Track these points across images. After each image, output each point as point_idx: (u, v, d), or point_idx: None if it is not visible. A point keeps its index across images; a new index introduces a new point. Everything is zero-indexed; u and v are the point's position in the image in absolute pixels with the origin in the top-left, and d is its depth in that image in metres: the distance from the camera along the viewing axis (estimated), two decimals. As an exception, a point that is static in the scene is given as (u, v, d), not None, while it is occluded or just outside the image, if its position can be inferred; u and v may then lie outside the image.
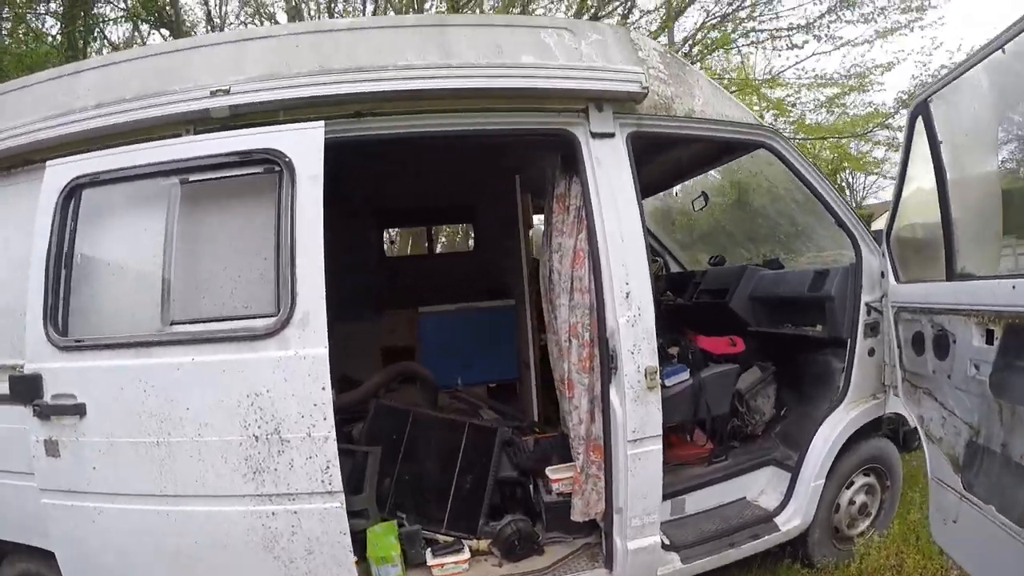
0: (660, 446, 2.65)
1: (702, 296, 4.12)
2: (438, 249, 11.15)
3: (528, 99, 2.71)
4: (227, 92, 2.39)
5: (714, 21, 10.63)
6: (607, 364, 2.71)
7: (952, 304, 2.37)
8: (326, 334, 2.20)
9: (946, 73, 2.42)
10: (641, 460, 2.61)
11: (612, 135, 2.73)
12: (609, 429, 2.66)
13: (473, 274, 5.49)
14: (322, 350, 2.19)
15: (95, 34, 9.20)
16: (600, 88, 2.66)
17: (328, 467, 2.20)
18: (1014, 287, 2.02)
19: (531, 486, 3.14)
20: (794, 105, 11.09)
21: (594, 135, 2.74)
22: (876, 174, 12.95)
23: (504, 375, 4.80)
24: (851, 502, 3.23)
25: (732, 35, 10.34)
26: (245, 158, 2.31)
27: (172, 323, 2.26)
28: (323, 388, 2.18)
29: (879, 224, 3.37)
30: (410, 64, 2.51)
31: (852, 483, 3.21)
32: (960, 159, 2.46)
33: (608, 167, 2.74)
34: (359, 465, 2.96)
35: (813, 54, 12.86)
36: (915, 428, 2.70)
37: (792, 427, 3.29)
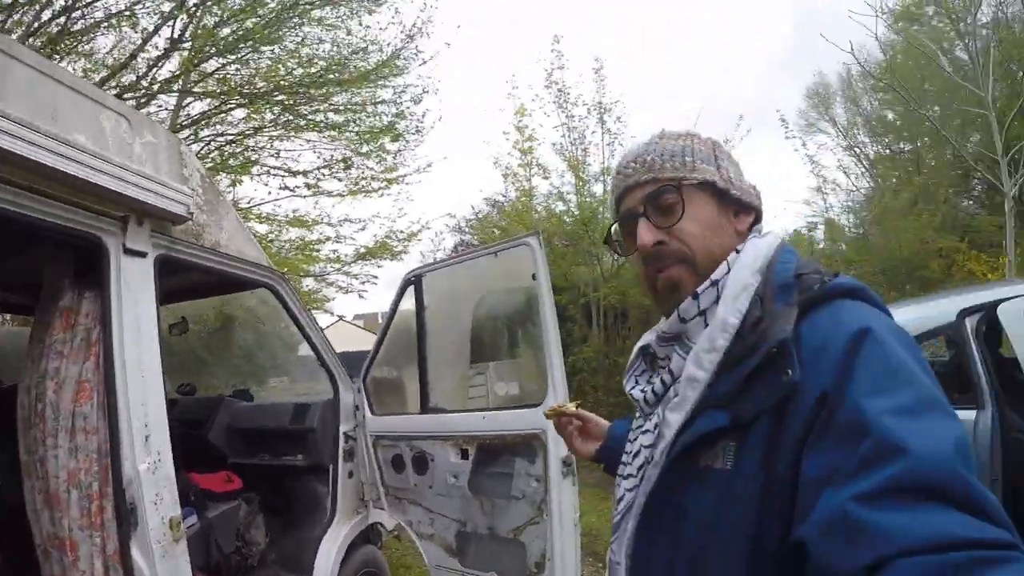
0: (193, 602, 2.41)
1: (178, 427, 3.69)
2: None
3: (68, 189, 2.18)
4: None
5: (222, 143, 9.52)
6: (127, 518, 2.30)
7: (430, 432, 3.22)
8: None
9: (443, 259, 3.47)
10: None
11: (145, 255, 2.45)
12: (135, 591, 2.24)
13: None
14: None
15: None
16: (150, 201, 2.38)
17: None
18: (484, 417, 3.06)
19: None
20: (271, 241, 10.81)
21: (127, 251, 2.39)
22: (319, 309, 13.36)
23: None
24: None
25: (242, 163, 9.33)
26: None
27: None
28: None
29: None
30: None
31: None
32: (438, 323, 3.49)
33: (136, 290, 2.41)
34: None
35: (296, 194, 12.06)
36: (380, 529, 3.40)
37: (290, 551, 3.37)
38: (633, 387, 1.02)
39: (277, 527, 3.57)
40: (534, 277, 2.82)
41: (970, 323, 3.25)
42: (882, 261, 12.07)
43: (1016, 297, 3.03)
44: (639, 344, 1.05)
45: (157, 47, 7.82)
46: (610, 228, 1.06)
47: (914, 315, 3.65)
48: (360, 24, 9.14)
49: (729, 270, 0.89)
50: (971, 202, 19.38)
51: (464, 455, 3.07)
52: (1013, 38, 14.63)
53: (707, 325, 0.88)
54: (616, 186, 1.03)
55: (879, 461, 0.63)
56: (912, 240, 11.92)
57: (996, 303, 3.11)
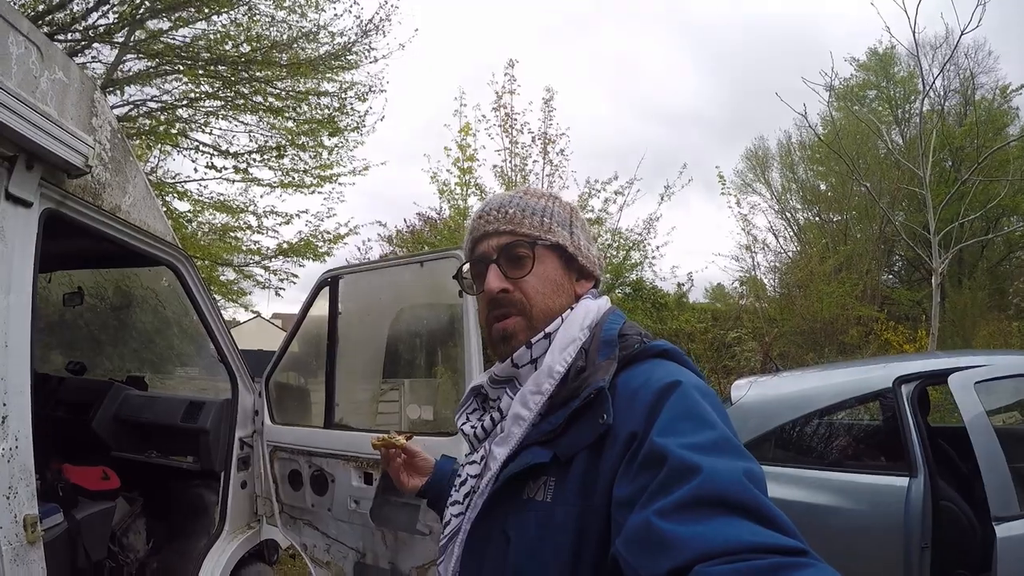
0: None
1: (59, 409, 3.25)
2: None
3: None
4: None
5: (151, 108, 8.66)
6: (-35, 516, 1.88)
7: (332, 449, 2.88)
8: None
9: (364, 262, 3.15)
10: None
11: (30, 204, 2.09)
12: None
13: None
14: None
15: None
16: (43, 144, 2.05)
17: None
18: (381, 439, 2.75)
19: None
20: (191, 221, 10.06)
21: (8, 196, 2.04)
22: (236, 303, 12.46)
23: None
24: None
25: (172, 132, 8.52)
26: None
27: None
28: None
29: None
30: None
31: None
32: (353, 331, 3.16)
33: (14, 245, 2.06)
34: None
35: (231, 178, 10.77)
36: (275, 545, 3.01)
37: (172, 562, 2.95)
38: (464, 423, 1.07)
39: (162, 534, 3.14)
40: (461, 294, 2.58)
41: (905, 390, 3.21)
42: (804, 322, 12.49)
43: (968, 368, 3.02)
44: (472, 384, 1.12)
45: None
46: (461, 267, 1.14)
47: (852, 377, 3.65)
48: (317, 9, 8.78)
49: (563, 325, 0.99)
50: (892, 276, 20.61)
51: (368, 480, 2.75)
52: (946, 129, 15.73)
53: (537, 370, 0.97)
54: (475, 228, 1.09)
55: (677, 480, 0.70)
56: (834, 306, 12.44)
57: (941, 372, 3.09)
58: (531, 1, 45.36)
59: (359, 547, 2.74)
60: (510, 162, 11.02)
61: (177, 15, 7.57)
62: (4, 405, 1.93)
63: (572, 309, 1.01)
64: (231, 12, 8.01)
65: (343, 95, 9.59)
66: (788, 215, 22.32)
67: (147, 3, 7.23)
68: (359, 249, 11.90)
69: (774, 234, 21.33)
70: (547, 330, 0.99)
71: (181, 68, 7.95)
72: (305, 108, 9.38)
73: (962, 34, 9.41)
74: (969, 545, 2.90)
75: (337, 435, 2.94)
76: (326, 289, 3.09)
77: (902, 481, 2.97)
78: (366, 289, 3.15)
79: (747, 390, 3.69)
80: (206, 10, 7.69)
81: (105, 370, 4.21)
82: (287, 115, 9.26)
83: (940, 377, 3.23)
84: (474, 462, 1.02)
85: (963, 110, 18.24)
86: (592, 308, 1.02)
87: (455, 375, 2.69)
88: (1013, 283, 15.82)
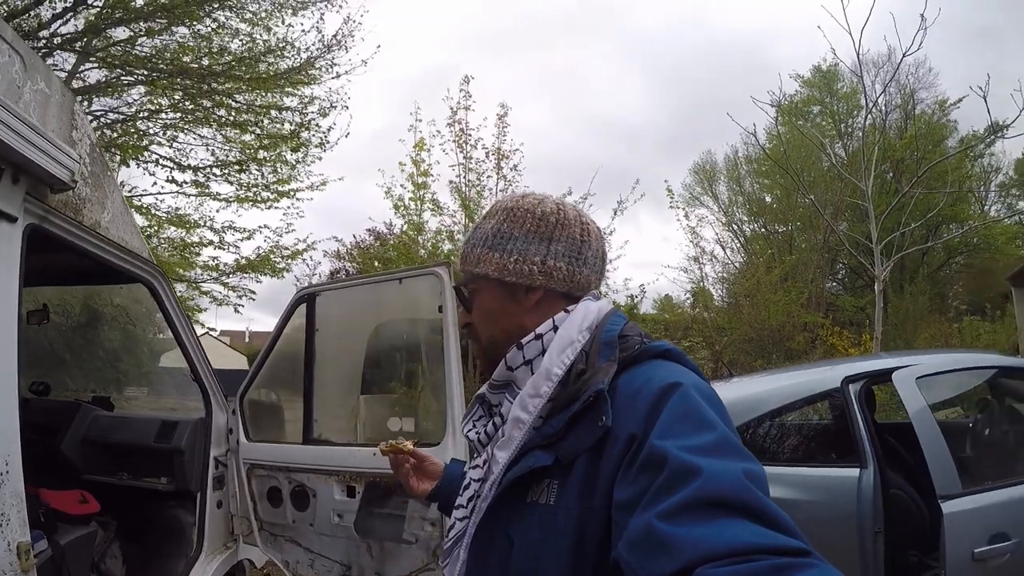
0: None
1: (25, 432, 3.10)
2: None
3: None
4: None
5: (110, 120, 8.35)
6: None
7: (313, 464, 2.92)
8: None
9: (342, 279, 3.21)
10: None
11: (15, 220, 2.01)
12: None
13: None
14: None
15: None
16: (31, 157, 1.98)
17: None
18: (375, 454, 2.80)
19: None
20: (151, 237, 9.72)
21: None
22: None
23: None
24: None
25: (140, 145, 8.25)
26: None
27: None
28: None
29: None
30: None
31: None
32: (329, 345, 3.20)
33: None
34: None
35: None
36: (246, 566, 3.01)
37: None
38: (470, 430, 1.08)
39: (138, 558, 3.09)
40: (440, 309, 2.66)
41: (853, 389, 3.43)
42: (752, 330, 12.91)
43: (908, 366, 3.26)
44: (477, 392, 1.12)
45: (65, 3, 7.04)
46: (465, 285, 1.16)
47: (802, 379, 3.85)
48: (283, 23, 8.77)
49: (555, 326, 0.99)
50: (836, 283, 21.51)
51: (351, 493, 2.79)
52: (888, 142, 16.60)
53: (534, 373, 0.97)
54: None
55: (678, 483, 0.70)
56: (780, 313, 12.89)
57: (885, 371, 3.32)
58: (484, 17, 45.80)
59: (343, 560, 2.76)
60: (464, 177, 11.14)
61: (147, 24, 7.46)
62: None
63: (567, 311, 1.01)
64: (196, 24, 7.95)
65: (304, 110, 9.58)
66: (735, 227, 23.13)
67: (115, 12, 7.09)
68: (307, 265, 11.81)
69: (721, 246, 22.07)
70: (538, 331, 1.00)
71: (142, 79, 7.83)
72: (267, 122, 9.32)
73: (903, 56, 9.98)
74: (918, 528, 3.12)
75: (317, 450, 2.97)
76: (302, 307, 3.14)
77: (853, 472, 3.16)
78: (344, 305, 3.18)
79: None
80: (173, 21, 7.60)
81: (68, 390, 4.11)
82: (249, 129, 9.17)
83: (884, 376, 3.46)
84: (476, 466, 1.03)
85: (904, 124, 19.30)
86: (592, 310, 1.01)
87: (436, 389, 2.76)
88: (952, 287, 16.71)
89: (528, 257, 1.03)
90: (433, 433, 2.74)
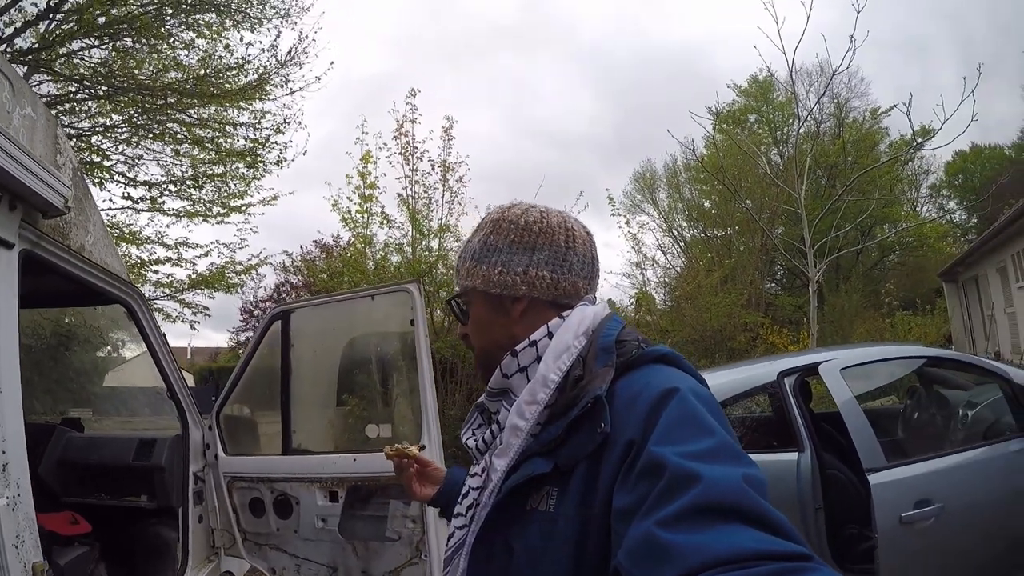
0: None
1: None
2: None
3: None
4: None
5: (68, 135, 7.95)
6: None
7: (294, 473, 3.06)
8: None
9: (314, 297, 3.36)
10: None
11: (11, 246, 2.05)
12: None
13: None
14: None
15: None
16: (28, 184, 2.01)
17: None
18: (355, 460, 2.97)
19: None
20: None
21: None
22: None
23: None
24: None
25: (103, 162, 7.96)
26: None
27: None
28: None
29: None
30: None
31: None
32: (305, 362, 3.35)
33: None
34: None
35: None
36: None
37: None
38: (468, 438, 1.09)
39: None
40: (412, 323, 2.86)
41: (788, 382, 3.78)
42: (694, 331, 13.36)
43: (832, 360, 3.64)
44: (476, 402, 1.14)
45: (24, 12, 6.91)
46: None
47: (742, 375, 4.21)
48: (241, 40, 8.76)
49: (550, 333, 0.99)
50: (774, 284, 22.47)
51: (334, 498, 2.95)
52: (822, 148, 17.53)
53: (530, 380, 0.97)
54: None
55: (677, 489, 0.70)
56: (721, 314, 13.32)
57: (814, 364, 3.69)
58: (431, 27, 45.89)
59: (330, 562, 2.91)
60: (411, 189, 11.21)
61: (107, 36, 7.35)
62: (3, 453, 1.91)
63: (562, 317, 1.01)
64: (150, 40, 7.89)
65: (258, 124, 9.58)
66: (675, 232, 23.89)
67: (77, 28, 7.00)
68: (253, 280, 11.66)
69: (662, 251, 22.77)
70: (532, 337, 1.00)
71: (97, 94, 7.70)
72: (221, 138, 9.28)
73: (833, 75, 10.68)
74: (855, 504, 3.44)
75: (298, 460, 3.11)
76: (277, 324, 3.27)
77: (792, 456, 3.51)
78: (317, 322, 3.33)
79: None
80: (135, 36, 7.53)
81: (36, 413, 4.07)
82: (204, 144, 9.11)
83: (814, 369, 3.84)
84: (475, 474, 1.04)
85: (838, 130, 20.41)
86: (588, 315, 1.01)
87: (411, 397, 2.93)
88: (884, 285, 17.69)
89: (511, 268, 1.03)
90: (408, 438, 2.92)
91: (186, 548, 3.07)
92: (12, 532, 1.92)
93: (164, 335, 3.30)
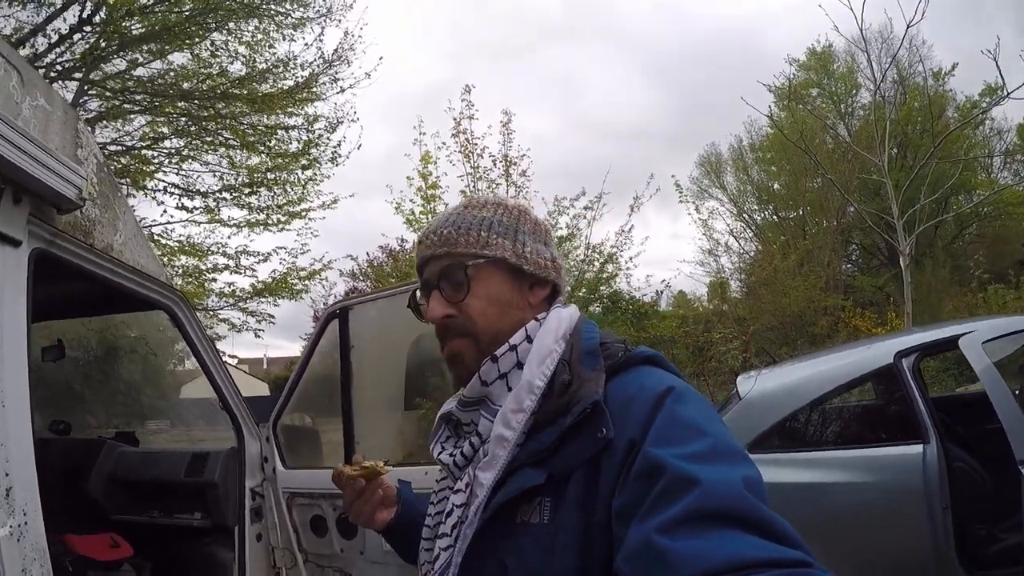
0: None
1: (48, 475, 3.01)
2: None
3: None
4: None
5: (112, 151, 8.30)
6: (-26, 605, 1.71)
7: (358, 488, 2.79)
8: None
9: (373, 292, 3.09)
10: None
11: (19, 243, 1.86)
12: None
13: None
14: None
15: None
16: (33, 173, 1.82)
17: None
18: (426, 473, 2.64)
19: None
20: (164, 266, 9.86)
21: None
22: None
23: None
24: None
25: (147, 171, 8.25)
26: None
27: None
28: None
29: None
30: None
31: None
32: (366, 361, 3.07)
33: (3, 290, 1.81)
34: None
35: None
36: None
37: None
38: (441, 452, 1.01)
39: None
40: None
41: (907, 363, 3.31)
42: (773, 318, 12.79)
43: (968, 333, 3.15)
44: (441, 412, 1.06)
45: (60, 32, 7.01)
46: (413, 294, 1.08)
47: (853, 358, 3.74)
48: (284, 38, 8.72)
49: (528, 337, 0.95)
50: (850, 265, 21.28)
51: (403, 516, 2.65)
52: (890, 118, 16.42)
53: (510, 388, 0.92)
54: (418, 255, 1.05)
55: (675, 493, 0.69)
56: (800, 299, 12.78)
57: (941, 341, 3.19)
58: (477, 30, 45.95)
59: (399, 589, 2.63)
60: (473, 187, 11.07)
61: (146, 47, 7.42)
62: (7, 475, 1.71)
63: (539, 320, 0.98)
64: (193, 49, 7.91)
65: (310, 127, 9.50)
66: (746, 216, 22.97)
67: (112, 39, 7.07)
68: (323, 287, 11.73)
69: (734, 236, 21.90)
70: (512, 342, 0.95)
71: (144, 106, 7.77)
72: (273, 142, 9.25)
73: (908, 26, 9.89)
74: (984, 500, 3.07)
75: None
76: (334, 323, 3.01)
77: (916, 448, 3.08)
78: (378, 319, 3.07)
79: (753, 383, 3.74)
80: (170, 45, 7.56)
81: (90, 428, 4.00)
82: (259, 150, 9.09)
83: (939, 347, 3.34)
84: (459, 490, 0.95)
85: (901, 98, 19.12)
86: (564, 317, 0.98)
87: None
88: (972, 257, 16.50)
89: (539, 251, 1.01)
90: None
91: (243, 569, 2.82)
92: (16, 565, 1.71)
93: (211, 340, 3.09)
